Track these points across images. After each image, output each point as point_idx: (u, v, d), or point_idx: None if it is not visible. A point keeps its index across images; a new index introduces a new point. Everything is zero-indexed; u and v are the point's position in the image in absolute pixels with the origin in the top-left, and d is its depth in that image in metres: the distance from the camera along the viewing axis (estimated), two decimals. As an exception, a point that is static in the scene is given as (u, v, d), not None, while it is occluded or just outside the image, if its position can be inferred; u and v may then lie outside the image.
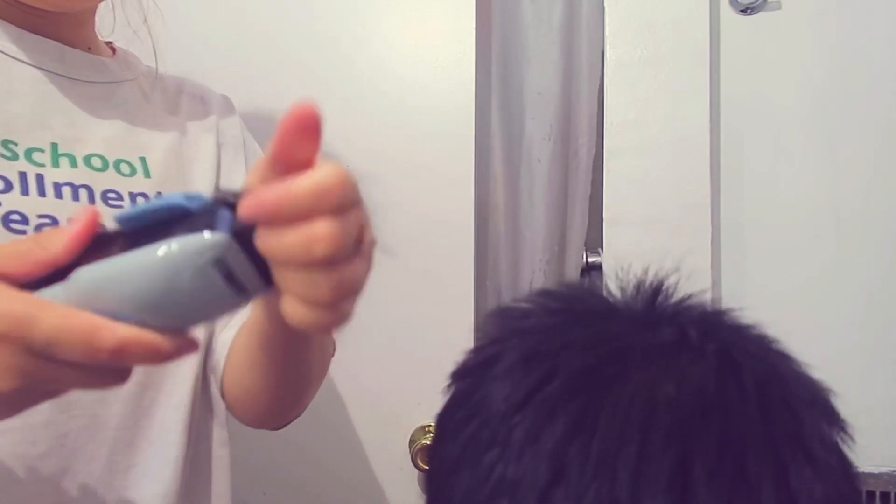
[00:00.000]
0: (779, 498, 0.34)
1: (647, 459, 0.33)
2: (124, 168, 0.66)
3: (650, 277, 0.44)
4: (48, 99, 0.63)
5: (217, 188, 0.36)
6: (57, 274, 0.37)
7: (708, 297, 0.44)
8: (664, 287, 0.43)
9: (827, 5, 1.07)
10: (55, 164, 0.62)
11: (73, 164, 0.63)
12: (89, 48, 0.69)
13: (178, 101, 0.76)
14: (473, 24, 1.08)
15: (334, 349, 0.69)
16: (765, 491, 0.33)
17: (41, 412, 0.58)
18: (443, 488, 0.40)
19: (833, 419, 0.38)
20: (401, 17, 1.10)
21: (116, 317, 0.35)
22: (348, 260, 0.36)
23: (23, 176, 0.59)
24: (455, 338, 1.01)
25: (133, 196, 0.64)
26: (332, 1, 1.10)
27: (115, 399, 0.63)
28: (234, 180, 0.73)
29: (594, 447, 0.34)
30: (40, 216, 0.58)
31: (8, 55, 0.62)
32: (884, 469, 1.03)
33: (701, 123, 1.05)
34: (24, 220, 0.58)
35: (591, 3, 1.14)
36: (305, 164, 0.35)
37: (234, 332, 0.68)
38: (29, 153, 0.60)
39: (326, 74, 1.09)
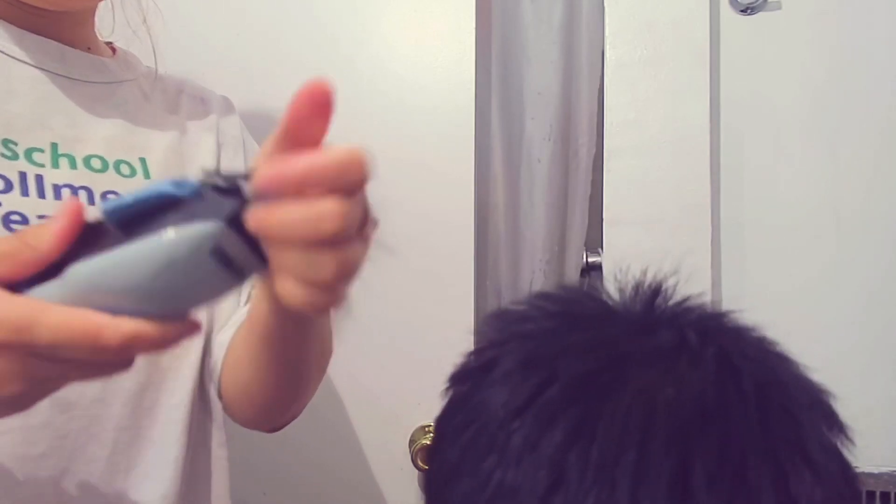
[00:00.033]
0: (779, 503, 0.34)
1: (647, 465, 0.33)
2: (124, 169, 0.66)
3: (649, 279, 0.44)
4: (48, 99, 0.63)
5: (204, 172, 0.35)
6: (48, 270, 0.36)
7: (707, 298, 0.44)
8: (663, 289, 0.43)
9: (827, 5, 1.07)
10: (55, 164, 0.62)
11: (73, 165, 0.63)
12: (89, 48, 0.69)
13: (178, 101, 0.76)
14: (473, 24, 1.08)
15: (332, 350, 0.69)
16: (765, 496, 0.33)
17: (39, 413, 0.58)
18: (442, 493, 0.40)
19: (832, 422, 0.38)
20: (401, 17, 1.10)
21: (116, 311, 0.35)
22: (351, 241, 0.36)
23: (23, 176, 0.59)
24: (455, 338, 1.01)
25: None
26: (332, 1, 1.10)
27: (115, 400, 0.63)
28: None
29: (593, 453, 0.34)
30: (40, 217, 0.58)
31: (8, 55, 0.62)
32: (884, 469, 1.03)
33: (701, 123, 1.05)
34: (25, 221, 0.58)
35: (591, 3, 1.13)
36: (314, 142, 0.35)
37: (231, 333, 0.68)
38: (29, 153, 0.60)
39: (326, 74, 1.08)
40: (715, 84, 1.07)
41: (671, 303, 0.42)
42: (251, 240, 0.35)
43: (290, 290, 0.35)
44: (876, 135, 1.06)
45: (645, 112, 1.06)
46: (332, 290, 0.36)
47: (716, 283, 1.07)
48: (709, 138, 1.05)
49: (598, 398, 0.36)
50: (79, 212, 0.36)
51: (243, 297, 0.71)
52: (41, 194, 0.59)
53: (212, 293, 0.37)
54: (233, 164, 0.75)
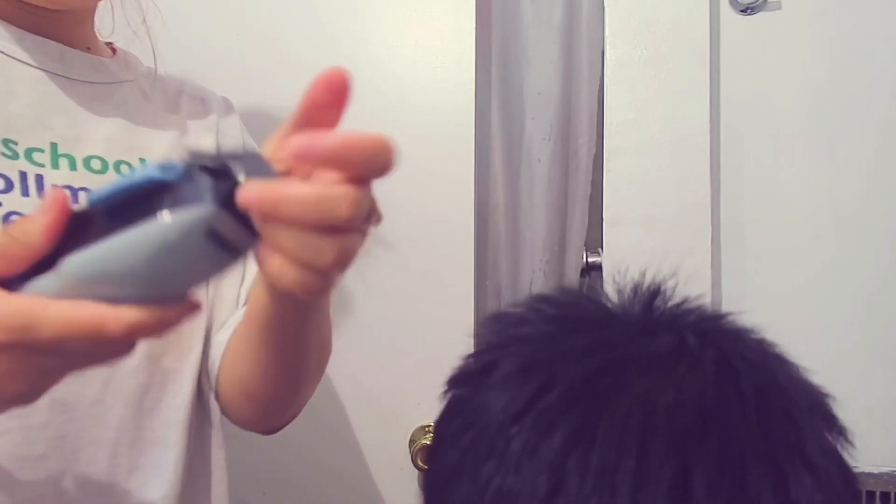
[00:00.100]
0: (779, 507, 0.34)
1: (647, 471, 0.33)
2: (124, 170, 0.66)
3: (647, 280, 0.44)
4: (49, 99, 0.63)
5: (190, 153, 0.35)
6: (40, 264, 0.36)
7: (707, 298, 0.44)
8: (662, 290, 0.43)
9: (827, 5, 1.07)
10: (55, 165, 0.62)
11: (73, 166, 0.63)
12: (88, 48, 0.69)
13: (178, 101, 0.76)
14: (473, 24, 1.08)
15: (331, 350, 0.69)
16: (765, 500, 0.33)
17: (38, 413, 0.58)
18: (441, 497, 0.40)
19: (832, 425, 0.38)
20: (401, 17, 1.10)
21: (115, 299, 0.34)
22: (355, 231, 0.36)
23: (23, 176, 0.59)
24: (455, 338, 1.00)
25: None
26: (332, 1, 1.10)
27: (116, 401, 0.63)
28: None
29: (593, 458, 0.34)
30: None
31: (8, 55, 0.62)
32: (884, 469, 1.03)
33: (701, 123, 1.05)
34: (25, 220, 0.58)
35: (591, 3, 1.13)
36: (328, 129, 0.35)
37: (229, 333, 0.67)
38: (29, 153, 0.61)
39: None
40: (715, 84, 1.07)
41: (670, 304, 0.42)
42: (243, 216, 0.34)
43: (284, 270, 0.35)
44: (876, 135, 1.05)
45: (645, 112, 1.06)
46: (325, 275, 0.36)
47: (716, 283, 1.07)
48: (709, 138, 1.05)
49: (598, 403, 0.36)
50: (65, 203, 0.36)
51: (242, 299, 0.71)
52: (42, 194, 0.59)
53: (209, 273, 0.37)
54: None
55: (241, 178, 0.33)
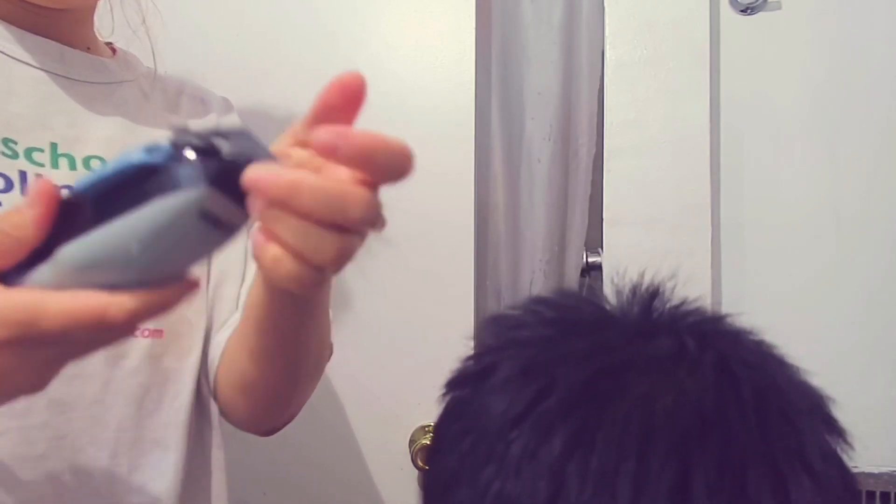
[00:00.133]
0: (778, 510, 0.34)
1: (647, 475, 0.33)
2: (124, 170, 0.66)
3: (646, 282, 0.43)
4: (49, 99, 0.63)
5: (175, 131, 0.34)
6: (33, 255, 0.36)
7: (706, 299, 0.44)
8: (660, 291, 0.43)
9: (827, 5, 1.07)
10: (54, 164, 0.62)
11: (73, 166, 0.63)
12: (88, 48, 0.69)
13: (178, 101, 0.76)
14: (473, 24, 1.08)
15: (331, 351, 0.69)
16: (764, 503, 0.33)
17: (38, 413, 0.58)
18: (440, 500, 0.39)
19: (832, 428, 0.38)
20: (401, 17, 1.10)
21: (113, 285, 0.34)
22: (359, 232, 0.36)
23: (23, 175, 0.59)
24: (455, 338, 1.00)
25: None
26: (332, 1, 1.10)
27: (116, 401, 0.63)
28: None
29: (593, 462, 0.34)
30: None
31: (8, 56, 0.62)
32: (884, 469, 1.03)
33: (701, 123, 1.05)
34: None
35: (591, 3, 1.13)
36: None
37: (228, 333, 0.68)
38: (29, 152, 0.61)
39: (326, 74, 1.08)
40: (715, 84, 1.07)
41: (669, 306, 0.42)
42: (234, 193, 0.33)
43: (280, 261, 0.35)
44: (876, 135, 1.05)
45: (645, 112, 1.06)
46: (321, 271, 0.35)
47: (716, 283, 1.07)
48: (709, 138, 1.05)
49: (597, 406, 0.36)
50: (53, 193, 0.36)
51: (242, 300, 0.71)
52: (42, 194, 0.59)
53: (204, 252, 0.37)
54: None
55: (227, 154, 0.33)
